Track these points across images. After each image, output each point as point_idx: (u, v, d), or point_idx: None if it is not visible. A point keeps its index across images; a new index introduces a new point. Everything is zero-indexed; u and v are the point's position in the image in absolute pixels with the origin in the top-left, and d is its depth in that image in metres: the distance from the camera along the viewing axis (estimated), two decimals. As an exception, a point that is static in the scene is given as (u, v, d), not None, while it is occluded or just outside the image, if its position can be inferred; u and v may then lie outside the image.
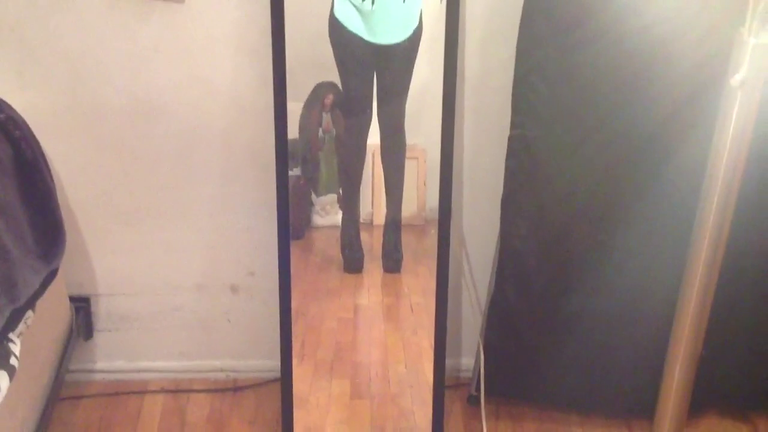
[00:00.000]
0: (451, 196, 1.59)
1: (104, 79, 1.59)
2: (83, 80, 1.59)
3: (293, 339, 1.65)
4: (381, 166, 1.69)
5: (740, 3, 1.25)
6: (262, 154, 1.64)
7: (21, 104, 1.47)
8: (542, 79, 1.48)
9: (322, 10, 1.54)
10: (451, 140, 1.55)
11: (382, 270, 1.74)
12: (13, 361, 1.28)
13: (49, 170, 1.47)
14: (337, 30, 1.55)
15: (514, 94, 1.51)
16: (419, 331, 1.75)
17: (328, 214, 1.72)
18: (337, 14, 1.54)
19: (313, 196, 1.71)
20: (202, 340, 1.89)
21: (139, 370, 1.90)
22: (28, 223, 1.39)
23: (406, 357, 1.76)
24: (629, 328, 1.68)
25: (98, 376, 1.90)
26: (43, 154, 1.46)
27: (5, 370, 1.25)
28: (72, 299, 1.78)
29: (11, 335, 1.31)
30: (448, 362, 1.72)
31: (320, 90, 1.60)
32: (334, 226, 1.73)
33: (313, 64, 1.58)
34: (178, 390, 1.88)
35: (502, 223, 1.62)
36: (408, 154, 1.66)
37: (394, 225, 1.71)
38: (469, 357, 1.89)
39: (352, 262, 1.74)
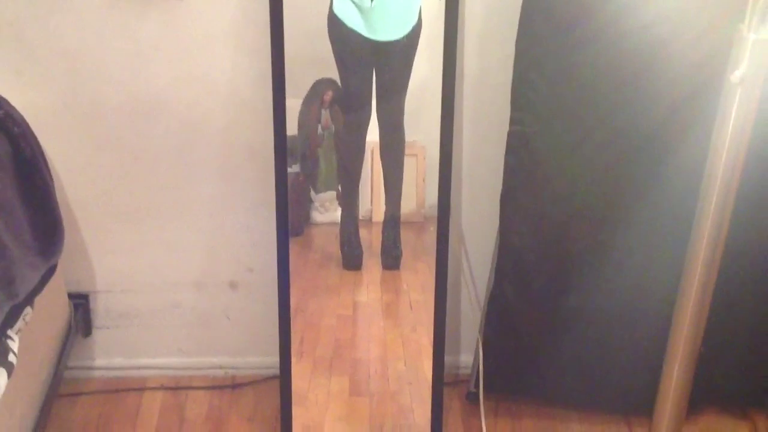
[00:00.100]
0: (450, 193, 1.59)
1: (103, 77, 1.59)
2: (82, 78, 1.58)
3: (292, 336, 1.65)
4: (380, 163, 1.69)
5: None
6: (261, 151, 1.64)
7: (20, 102, 1.47)
8: (541, 77, 1.48)
9: (321, 7, 1.54)
10: (450, 137, 1.54)
11: (381, 267, 1.74)
12: (11, 357, 1.28)
13: (47, 168, 1.47)
14: (336, 27, 1.55)
15: (513, 91, 1.51)
16: (418, 328, 1.75)
17: (327, 210, 1.72)
18: (336, 11, 1.54)
19: (312, 193, 1.71)
20: (201, 337, 1.89)
21: (137, 367, 1.90)
22: (27, 220, 1.39)
23: (406, 354, 1.76)
24: (628, 326, 1.68)
25: (97, 373, 1.90)
26: (42, 152, 1.46)
27: (3, 367, 1.25)
28: (71, 296, 1.78)
29: (9, 332, 1.31)
30: (447, 359, 1.72)
31: (319, 87, 1.60)
32: (333, 223, 1.73)
33: (312, 61, 1.57)
34: (177, 387, 1.88)
35: (501, 220, 1.62)
36: (407, 151, 1.66)
37: (393, 222, 1.71)
38: (468, 354, 1.89)
39: (351, 259, 1.74)
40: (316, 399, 1.73)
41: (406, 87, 1.59)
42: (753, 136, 1.28)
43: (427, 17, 1.54)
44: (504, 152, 1.56)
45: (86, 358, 1.89)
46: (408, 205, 1.70)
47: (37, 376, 1.56)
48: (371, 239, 1.73)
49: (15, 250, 1.29)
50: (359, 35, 1.55)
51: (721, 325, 1.60)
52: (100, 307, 1.84)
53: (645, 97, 1.46)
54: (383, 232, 1.72)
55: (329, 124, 1.65)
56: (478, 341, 1.76)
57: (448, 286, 1.65)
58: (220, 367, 1.92)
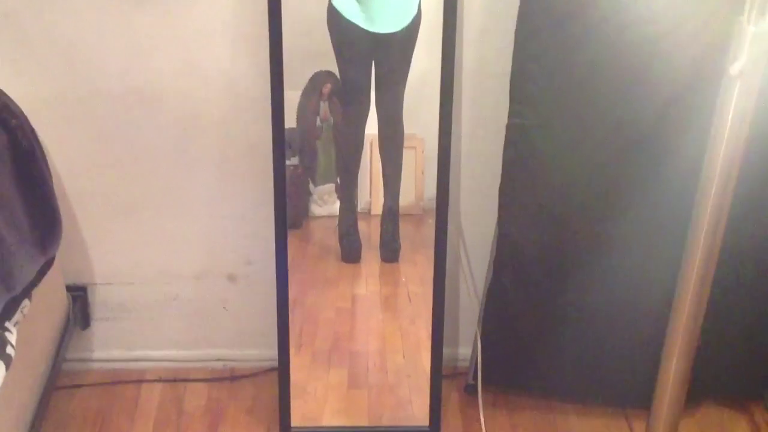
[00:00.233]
0: (448, 186, 1.59)
1: (101, 69, 1.58)
2: (80, 70, 1.58)
3: (291, 328, 1.65)
4: (379, 155, 1.68)
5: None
6: (260, 143, 1.63)
7: (17, 94, 1.46)
8: (541, 69, 1.48)
9: (320, -1, 1.54)
10: (449, 130, 1.54)
11: (380, 260, 1.74)
12: (9, 350, 1.27)
13: (45, 159, 1.47)
14: (335, 18, 1.54)
15: (512, 84, 1.51)
16: (417, 320, 1.75)
17: (325, 203, 1.72)
18: (335, 3, 1.53)
19: (311, 185, 1.70)
20: (200, 330, 1.89)
21: (136, 360, 1.90)
22: (25, 212, 1.38)
23: (404, 347, 1.77)
24: (627, 318, 1.68)
25: (95, 366, 1.90)
26: (39, 144, 1.45)
27: (1, 359, 1.25)
28: (69, 288, 1.78)
29: (7, 324, 1.31)
30: (446, 352, 1.72)
31: (318, 79, 1.60)
32: (331, 216, 1.73)
33: (310, 53, 1.57)
34: (175, 379, 1.89)
35: (499, 212, 1.62)
36: (406, 143, 1.66)
37: (391, 215, 1.71)
38: (466, 347, 1.89)
39: (350, 252, 1.74)
40: (314, 391, 1.73)
41: (406, 79, 1.59)
42: (752, 130, 1.28)
43: (426, 9, 1.53)
44: (503, 145, 1.56)
45: (84, 351, 1.89)
46: (407, 197, 1.70)
47: (36, 369, 1.56)
48: (370, 232, 1.73)
49: (12, 243, 1.29)
50: (358, 27, 1.54)
51: (719, 319, 1.60)
52: (98, 299, 1.84)
53: (644, 90, 1.46)
54: (382, 225, 1.72)
55: (328, 116, 1.64)
56: (476, 334, 1.76)
57: (447, 279, 1.65)
58: (219, 360, 1.92)
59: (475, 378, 1.77)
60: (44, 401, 1.56)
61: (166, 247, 1.78)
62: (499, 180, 1.59)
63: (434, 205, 1.60)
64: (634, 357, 1.71)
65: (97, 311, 1.85)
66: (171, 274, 1.81)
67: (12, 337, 1.30)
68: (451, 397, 1.85)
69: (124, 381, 1.87)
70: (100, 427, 1.75)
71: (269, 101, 1.50)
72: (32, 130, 1.44)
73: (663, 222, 1.56)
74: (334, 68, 1.58)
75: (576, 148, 1.53)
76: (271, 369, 1.87)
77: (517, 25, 1.47)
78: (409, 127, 1.63)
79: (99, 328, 1.87)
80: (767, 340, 1.73)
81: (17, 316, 1.35)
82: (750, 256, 1.61)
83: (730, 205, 1.33)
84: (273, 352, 1.69)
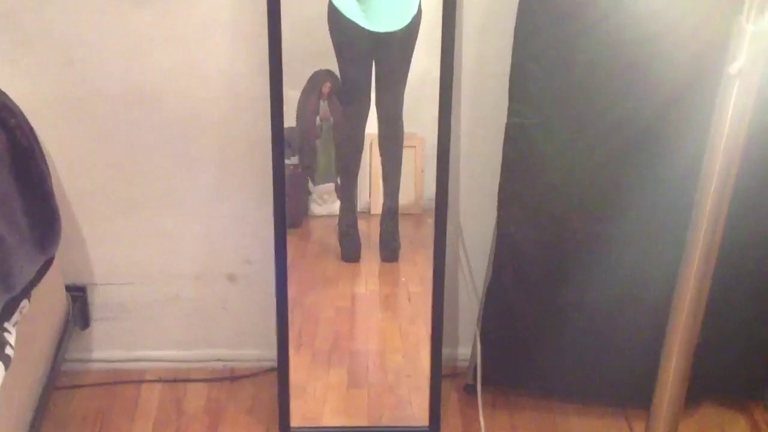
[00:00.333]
0: (448, 185, 1.58)
1: (100, 68, 1.58)
2: (79, 69, 1.58)
3: (290, 328, 1.65)
4: (379, 154, 1.68)
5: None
6: (259, 142, 1.63)
7: (16, 93, 1.46)
8: (540, 68, 1.48)
9: (320, -2, 1.54)
10: (448, 129, 1.54)
11: (379, 259, 1.74)
12: (8, 350, 1.27)
13: (44, 159, 1.47)
14: (335, 17, 1.54)
15: (511, 82, 1.51)
16: (417, 320, 1.75)
17: (325, 203, 1.72)
18: (336, 1, 1.53)
19: (311, 184, 1.70)
20: (200, 330, 1.89)
21: (136, 360, 1.90)
22: (24, 212, 1.38)
23: (404, 346, 1.76)
24: (627, 318, 1.68)
25: (95, 366, 1.90)
26: (38, 143, 1.45)
27: (1, 360, 1.25)
28: (68, 288, 1.78)
29: (6, 324, 1.31)
30: (445, 351, 1.72)
31: (317, 78, 1.59)
32: (331, 215, 1.73)
33: (310, 52, 1.57)
34: (175, 379, 1.88)
35: (499, 211, 1.62)
36: (406, 142, 1.65)
37: (391, 214, 1.71)
38: (466, 346, 1.89)
39: (350, 251, 1.74)
40: (314, 391, 1.73)
41: (406, 78, 1.59)
42: (751, 128, 1.28)
43: (426, 8, 1.53)
44: (502, 144, 1.56)
45: (84, 351, 1.89)
46: (406, 196, 1.70)
47: (35, 369, 1.56)
48: (370, 231, 1.73)
49: (12, 242, 1.29)
50: (358, 26, 1.54)
51: (718, 318, 1.60)
52: (98, 299, 1.84)
53: (643, 89, 1.46)
54: (382, 224, 1.72)
55: (328, 115, 1.64)
56: (476, 333, 1.76)
57: (446, 279, 1.65)
58: (219, 360, 1.92)
59: (475, 378, 1.77)
60: (44, 401, 1.56)
61: (165, 247, 1.78)
62: (498, 179, 1.59)
63: (434, 205, 1.60)
64: (633, 356, 1.71)
65: (96, 311, 1.85)
66: (171, 274, 1.81)
67: (11, 337, 1.30)
68: (451, 397, 1.84)
69: (124, 381, 1.87)
70: (99, 427, 1.75)
71: (269, 101, 1.50)
72: (31, 130, 1.44)
73: (662, 221, 1.56)
74: (334, 67, 1.58)
75: (575, 147, 1.53)
76: (271, 369, 1.87)
77: (516, 24, 1.47)
78: (408, 127, 1.63)
79: (98, 328, 1.87)
80: (767, 339, 1.73)
81: (16, 317, 1.35)
82: (749, 255, 1.61)
83: (730, 203, 1.33)
84: (273, 352, 1.69)
